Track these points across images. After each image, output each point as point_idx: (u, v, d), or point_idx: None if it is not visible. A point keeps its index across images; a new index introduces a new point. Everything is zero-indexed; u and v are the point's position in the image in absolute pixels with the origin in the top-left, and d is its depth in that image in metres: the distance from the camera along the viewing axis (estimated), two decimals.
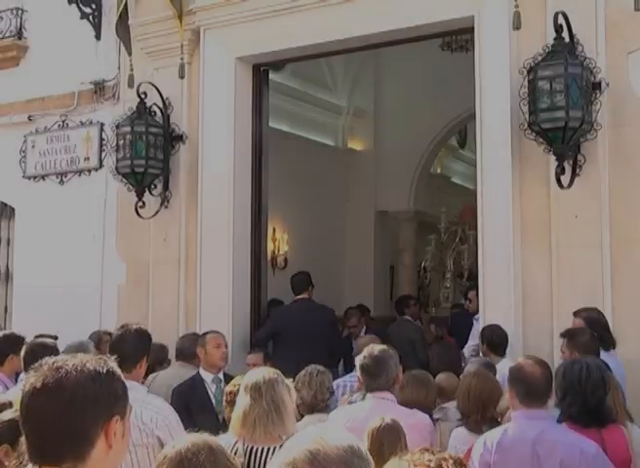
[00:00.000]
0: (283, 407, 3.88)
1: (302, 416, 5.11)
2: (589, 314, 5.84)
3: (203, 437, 2.48)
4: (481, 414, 4.72)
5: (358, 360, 4.76)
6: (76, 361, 1.96)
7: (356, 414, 4.57)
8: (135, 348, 4.42)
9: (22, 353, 5.63)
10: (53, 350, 5.67)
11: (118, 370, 2.03)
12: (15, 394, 4.90)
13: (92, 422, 1.92)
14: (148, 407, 4.18)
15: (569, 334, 5.49)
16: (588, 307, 5.93)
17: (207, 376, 6.23)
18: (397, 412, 4.58)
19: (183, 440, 2.45)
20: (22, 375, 5.56)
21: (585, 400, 4.13)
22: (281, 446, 3.67)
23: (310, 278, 8.45)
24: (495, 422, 4.62)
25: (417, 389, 5.06)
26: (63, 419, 1.90)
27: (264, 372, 4.02)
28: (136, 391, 4.11)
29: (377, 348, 4.80)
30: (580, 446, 3.83)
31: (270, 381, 3.94)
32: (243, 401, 3.93)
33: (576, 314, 5.87)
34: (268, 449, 3.79)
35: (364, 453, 1.66)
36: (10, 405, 3.72)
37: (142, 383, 4.79)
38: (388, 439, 3.84)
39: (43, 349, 5.64)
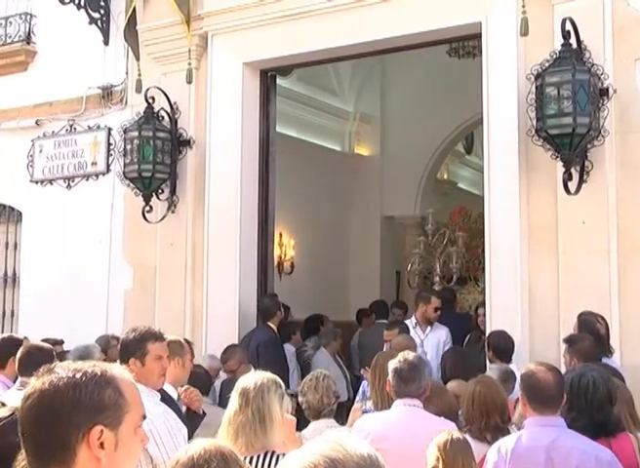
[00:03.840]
0: (269, 417, 3.66)
1: (308, 421, 5.12)
2: (586, 317, 5.85)
3: (216, 443, 2.46)
4: (485, 421, 4.68)
5: (392, 364, 4.75)
6: (70, 367, 1.95)
7: (386, 421, 4.56)
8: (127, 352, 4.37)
9: (18, 355, 5.61)
10: (49, 353, 5.67)
11: (114, 379, 1.98)
12: (11, 395, 4.92)
13: (69, 430, 1.90)
14: None
15: (570, 341, 5.50)
16: (592, 312, 5.92)
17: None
18: (427, 420, 4.58)
19: (196, 445, 2.44)
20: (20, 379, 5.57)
21: (592, 415, 4.12)
22: (265, 454, 3.59)
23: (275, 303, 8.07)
24: (498, 430, 4.60)
25: (442, 397, 5.04)
26: (38, 426, 1.91)
27: (258, 377, 3.81)
28: None
29: (411, 354, 4.80)
30: (594, 452, 3.82)
31: (260, 388, 3.72)
32: (231, 405, 3.76)
33: (579, 316, 5.89)
34: (251, 458, 3.60)
35: (382, 464, 1.66)
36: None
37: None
38: (462, 451, 3.77)
39: (39, 352, 5.65)
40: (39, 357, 5.50)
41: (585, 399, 4.14)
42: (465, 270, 11.39)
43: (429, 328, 7.85)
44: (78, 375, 1.93)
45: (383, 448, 4.26)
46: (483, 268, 11.15)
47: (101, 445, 1.92)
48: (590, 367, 4.49)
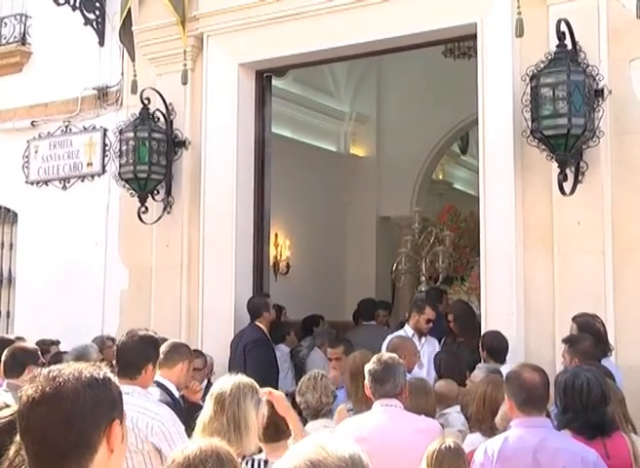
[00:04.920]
0: (244, 425, 3.57)
1: (307, 421, 5.13)
2: (583, 319, 5.85)
3: (212, 443, 2.47)
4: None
5: (367, 366, 4.76)
6: (71, 369, 1.97)
7: (367, 424, 4.54)
8: (137, 355, 4.41)
9: (3, 358, 5.60)
10: (33, 354, 5.68)
11: (112, 376, 2.05)
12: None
13: (94, 429, 1.94)
14: (146, 412, 4.15)
15: (570, 341, 5.50)
16: (586, 313, 5.94)
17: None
18: (407, 419, 4.59)
19: (193, 445, 2.45)
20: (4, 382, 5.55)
21: (587, 416, 4.13)
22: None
23: (264, 303, 7.91)
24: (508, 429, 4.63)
25: (417, 397, 5.07)
26: (65, 428, 1.91)
27: (234, 382, 3.69)
28: (136, 396, 4.12)
29: (385, 355, 4.80)
30: (580, 453, 3.84)
31: (236, 394, 3.61)
32: (206, 410, 3.66)
33: (573, 319, 5.90)
34: None
35: (365, 464, 1.67)
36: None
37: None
38: (450, 461, 3.76)
39: (24, 353, 5.64)
40: (24, 358, 5.51)
41: (580, 400, 4.15)
42: (453, 270, 11.29)
43: (424, 338, 7.60)
44: (88, 375, 1.97)
45: (365, 450, 4.28)
46: (471, 268, 11.13)
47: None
48: (584, 367, 4.51)
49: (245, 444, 3.58)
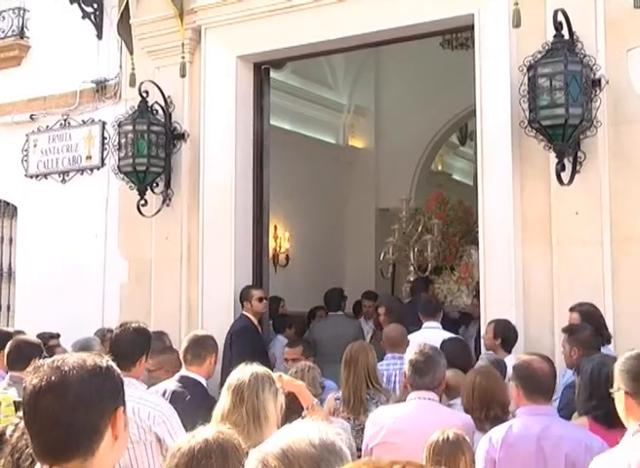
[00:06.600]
0: (264, 416, 3.53)
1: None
2: (585, 308, 5.88)
3: (220, 436, 2.41)
4: (485, 412, 4.71)
5: (408, 355, 4.76)
6: (75, 358, 2.00)
7: (400, 415, 4.57)
8: (132, 347, 4.44)
9: (7, 350, 5.62)
10: (38, 347, 5.69)
11: (114, 364, 2.08)
12: (5, 391, 4.93)
13: (100, 416, 1.97)
14: (146, 403, 4.19)
15: (570, 330, 5.53)
16: (583, 302, 5.96)
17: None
18: (441, 413, 4.59)
19: (200, 436, 2.42)
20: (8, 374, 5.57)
21: (611, 405, 4.15)
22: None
23: (243, 293, 7.96)
24: (498, 420, 4.62)
25: None
26: (73, 416, 1.93)
27: (251, 372, 3.64)
28: (134, 388, 4.15)
29: (428, 346, 4.80)
30: (584, 440, 3.86)
31: (255, 385, 3.58)
32: (223, 402, 3.62)
33: (572, 309, 5.91)
34: None
35: (337, 448, 1.68)
36: None
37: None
38: (448, 453, 3.75)
39: (28, 346, 5.66)
40: (29, 351, 5.52)
41: (607, 388, 4.17)
42: (442, 259, 11.18)
43: None
44: (92, 363, 2.00)
45: (397, 442, 4.32)
46: (460, 257, 11.09)
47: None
48: (609, 356, 4.54)
49: (265, 435, 3.45)
